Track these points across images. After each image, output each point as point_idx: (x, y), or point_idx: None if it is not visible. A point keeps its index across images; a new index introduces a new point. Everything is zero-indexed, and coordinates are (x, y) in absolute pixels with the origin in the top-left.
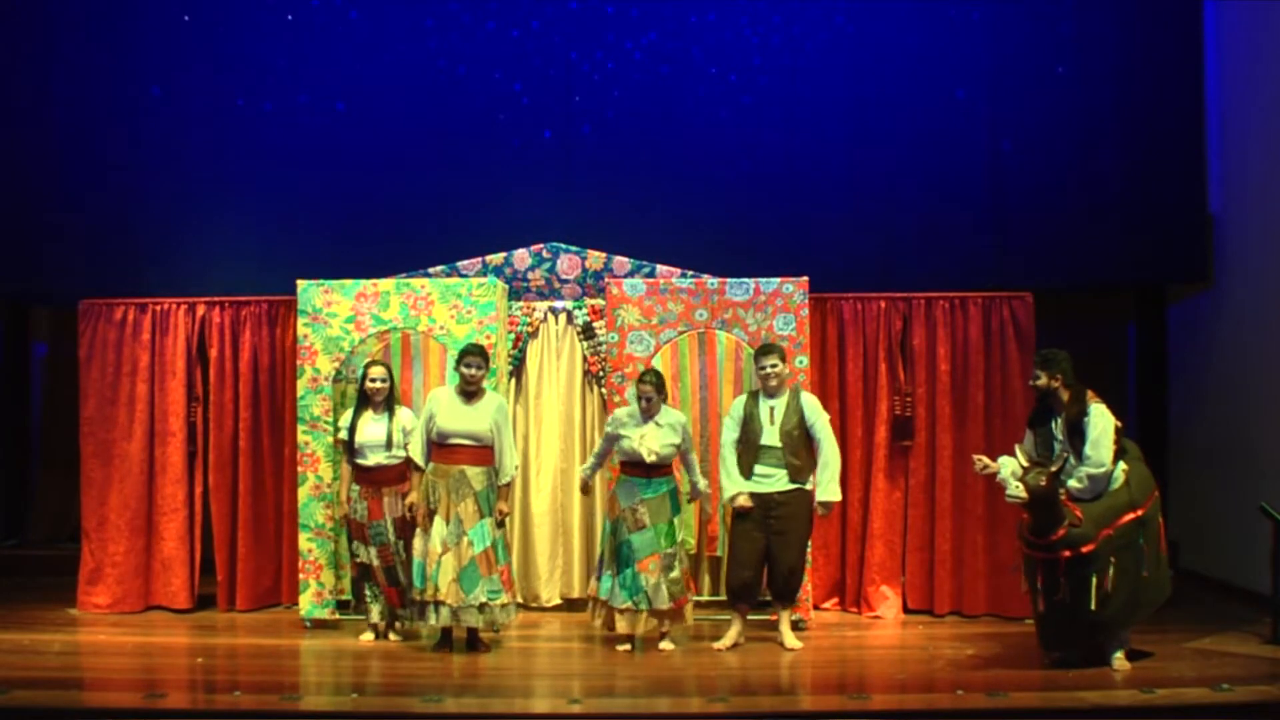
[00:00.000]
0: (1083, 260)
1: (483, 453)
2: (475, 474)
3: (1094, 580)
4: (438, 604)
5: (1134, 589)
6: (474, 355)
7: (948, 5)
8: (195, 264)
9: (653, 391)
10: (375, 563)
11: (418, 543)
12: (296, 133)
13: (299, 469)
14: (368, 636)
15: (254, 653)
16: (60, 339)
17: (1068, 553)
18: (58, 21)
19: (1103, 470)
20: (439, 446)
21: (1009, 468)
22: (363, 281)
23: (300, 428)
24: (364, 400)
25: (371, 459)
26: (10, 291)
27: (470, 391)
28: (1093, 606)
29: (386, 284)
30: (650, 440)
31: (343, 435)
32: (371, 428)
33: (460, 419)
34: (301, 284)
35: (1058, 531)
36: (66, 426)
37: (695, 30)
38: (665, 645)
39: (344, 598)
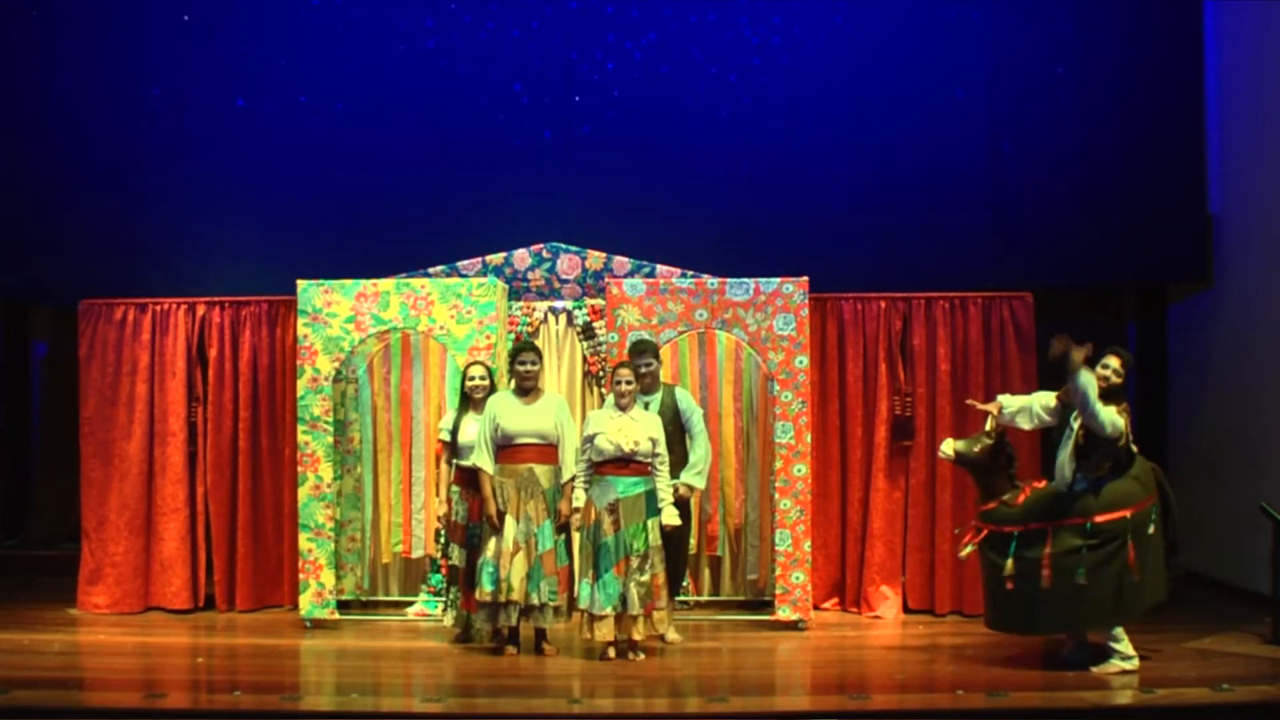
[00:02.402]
0: (1083, 260)
1: (548, 451)
2: (543, 472)
3: (1042, 565)
4: (509, 604)
5: (1081, 591)
6: (528, 352)
7: (948, 5)
8: (195, 264)
9: (633, 376)
10: (464, 565)
11: (490, 545)
12: (296, 133)
13: (299, 469)
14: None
15: (254, 653)
16: (60, 339)
17: (986, 528)
18: (58, 22)
19: (1096, 415)
20: (504, 448)
21: (1010, 406)
22: (363, 281)
23: (300, 428)
24: (465, 401)
25: (473, 459)
26: (10, 291)
27: (528, 389)
28: (1044, 585)
29: (386, 284)
30: (630, 432)
31: (443, 436)
32: (472, 427)
33: (523, 418)
34: (301, 284)
35: (987, 504)
36: (66, 426)
37: (695, 30)
38: (635, 656)
39: (344, 597)
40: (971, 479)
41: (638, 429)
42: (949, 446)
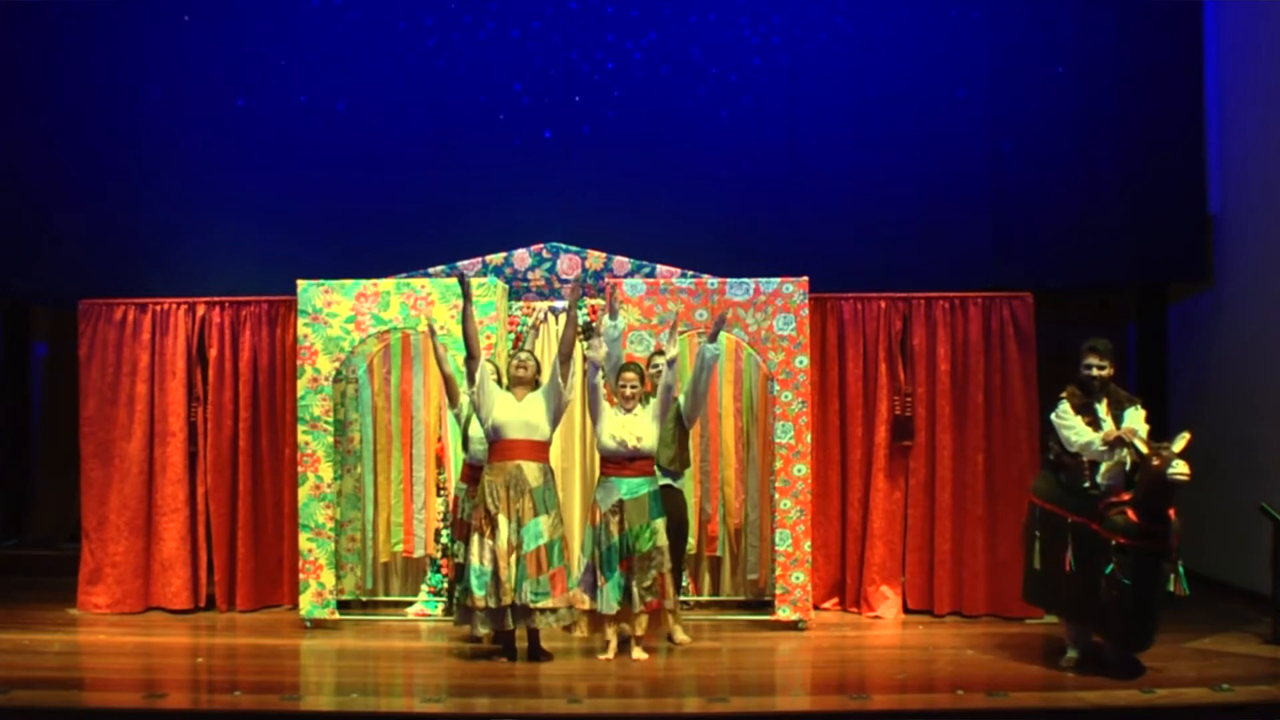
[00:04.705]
0: (1083, 260)
1: (539, 447)
2: (532, 470)
3: (1166, 570)
4: (507, 608)
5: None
6: (524, 353)
7: (948, 5)
8: (195, 264)
9: (638, 379)
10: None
11: (475, 548)
12: (296, 133)
13: (299, 469)
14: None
15: (254, 653)
16: (60, 339)
17: (1176, 539)
18: (58, 22)
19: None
20: (494, 442)
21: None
22: (363, 281)
23: (300, 428)
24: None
25: (481, 455)
26: (10, 291)
27: (523, 380)
28: (1171, 589)
29: (386, 284)
30: (632, 427)
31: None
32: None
33: (514, 410)
34: (301, 284)
35: (1170, 511)
36: (66, 426)
37: (695, 30)
38: (638, 654)
39: (344, 597)
40: (1153, 495)
41: (639, 424)
42: (1185, 468)
